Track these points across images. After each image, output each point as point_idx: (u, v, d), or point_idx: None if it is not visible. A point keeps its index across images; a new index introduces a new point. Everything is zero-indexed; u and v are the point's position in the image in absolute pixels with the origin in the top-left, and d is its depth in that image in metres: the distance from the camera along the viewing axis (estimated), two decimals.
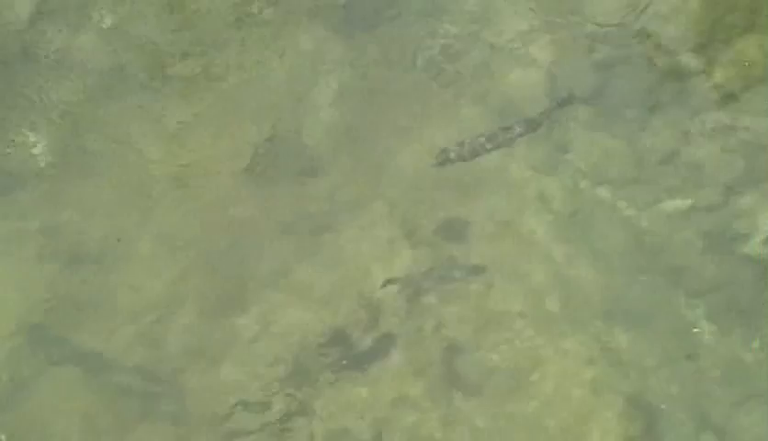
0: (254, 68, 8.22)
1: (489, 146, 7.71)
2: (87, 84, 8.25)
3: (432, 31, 8.21)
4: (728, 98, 7.64)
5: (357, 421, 7.06)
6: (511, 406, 6.96)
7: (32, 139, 8.10)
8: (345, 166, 7.82)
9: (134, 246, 7.69)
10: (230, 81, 8.20)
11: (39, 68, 8.33)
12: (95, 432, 7.17)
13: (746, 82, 7.65)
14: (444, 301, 7.31)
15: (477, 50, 8.11)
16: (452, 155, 7.73)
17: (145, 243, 7.69)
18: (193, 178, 7.89)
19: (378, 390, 7.12)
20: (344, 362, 7.22)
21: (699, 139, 7.53)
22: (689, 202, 7.35)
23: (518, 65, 7.99)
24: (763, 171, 7.34)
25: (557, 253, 7.34)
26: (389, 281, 7.39)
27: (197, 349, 7.35)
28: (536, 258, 7.34)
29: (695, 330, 7.01)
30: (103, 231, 7.76)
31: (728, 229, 7.23)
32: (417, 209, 7.62)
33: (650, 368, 6.96)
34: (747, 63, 7.67)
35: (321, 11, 8.37)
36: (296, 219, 7.69)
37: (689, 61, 7.80)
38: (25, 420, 7.22)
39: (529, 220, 7.47)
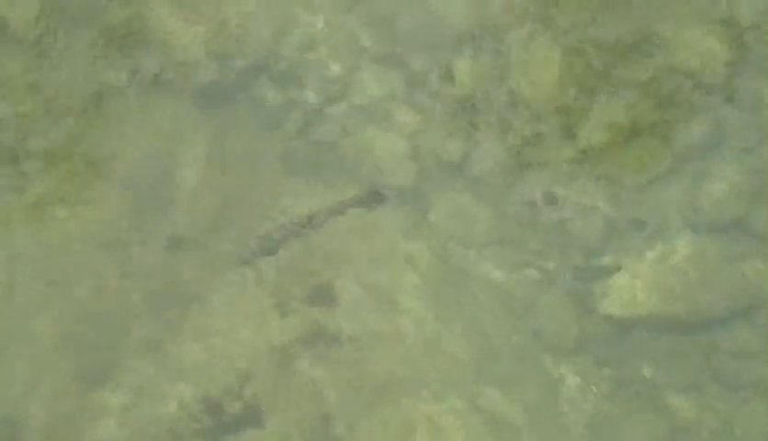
0: (117, 141, 8.05)
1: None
2: None
3: (293, 99, 8.27)
4: (589, 161, 7.96)
5: None
6: None
7: None
8: (212, 237, 7.76)
9: None
10: (92, 155, 8.00)
11: None
12: None
13: (607, 144, 7.98)
14: (315, 368, 7.32)
15: (338, 117, 8.22)
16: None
17: (9, 318, 7.45)
18: (58, 251, 7.66)
19: None
20: (217, 431, 7.15)
21: (560, 202, 7.84)
22: (552, 264, 7.67)
23: (381, 131, 8.13)
24: (622, 233, 7.74)
25: (427, 316, 7.49)
26: (260, 349, 7.38)
27: (65, 423, 7.14)
28: (407, 322, 7.48)
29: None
30: None
31: (588, 289, 7.59)
32: (286, 276, 7.64)
33: (521, 426, 7.18)
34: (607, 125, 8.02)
35: (182, 83, 8.29)
36: (164, 290, 7.56)
37: (551, 124, 8.07)
38: None
39: (398, 283, 7.60)
